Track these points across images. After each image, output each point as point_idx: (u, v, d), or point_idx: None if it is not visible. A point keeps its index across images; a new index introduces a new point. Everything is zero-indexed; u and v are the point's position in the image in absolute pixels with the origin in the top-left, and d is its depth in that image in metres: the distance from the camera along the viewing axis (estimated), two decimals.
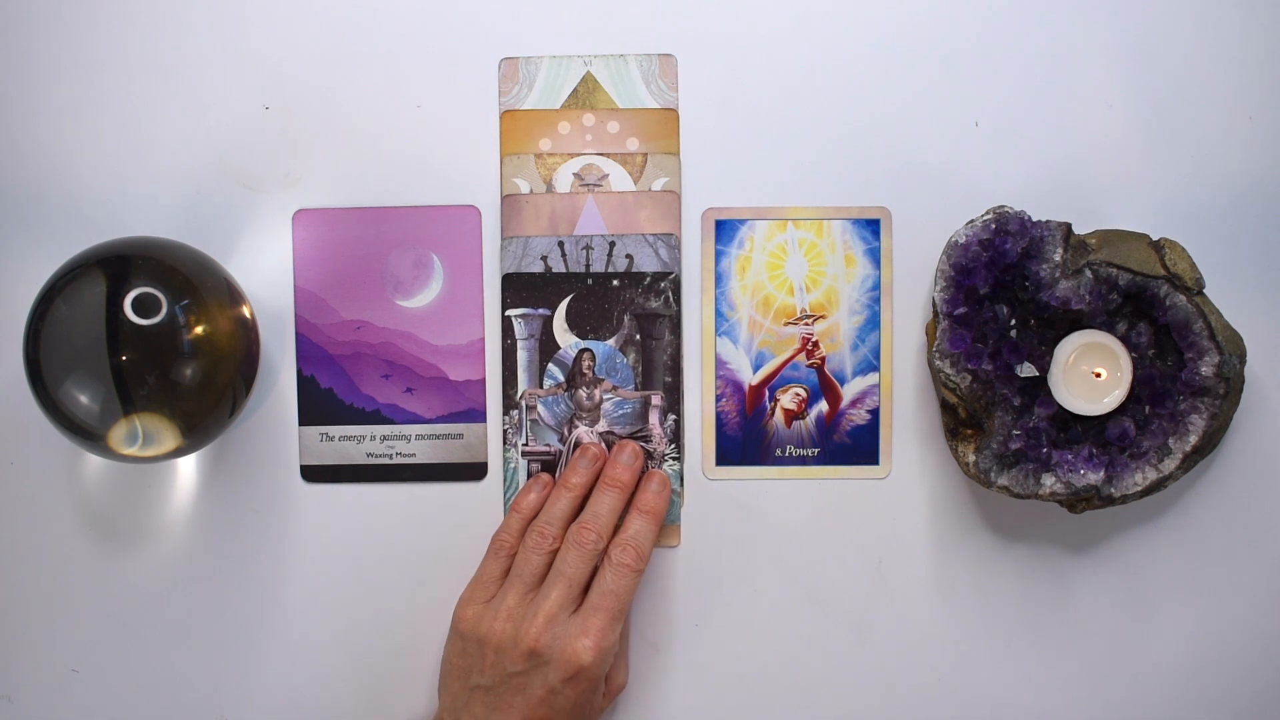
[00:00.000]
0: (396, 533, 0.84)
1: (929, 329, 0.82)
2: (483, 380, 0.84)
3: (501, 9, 0.83)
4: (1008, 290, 0.80)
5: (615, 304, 0.83)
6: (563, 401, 0.83)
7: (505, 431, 0.83)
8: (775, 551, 0.84)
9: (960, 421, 0.81)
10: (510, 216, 0.83)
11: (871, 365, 0.83)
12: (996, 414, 0.80)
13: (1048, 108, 0.82)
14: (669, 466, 0.83)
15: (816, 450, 0.83)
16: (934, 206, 0.83)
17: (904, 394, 0.83)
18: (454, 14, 0.83)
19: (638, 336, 0.83)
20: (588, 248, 0.83)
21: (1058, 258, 0.79)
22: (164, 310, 0.75)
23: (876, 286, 0.83)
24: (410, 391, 0.83)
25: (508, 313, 0.83)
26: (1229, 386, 0.78)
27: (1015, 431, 0.79)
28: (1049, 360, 0.79)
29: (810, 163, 0.83)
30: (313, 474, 0.84)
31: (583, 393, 0.83)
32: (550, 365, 0.83)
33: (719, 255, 0.83)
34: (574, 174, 0.83)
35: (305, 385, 0.84)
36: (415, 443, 0.84)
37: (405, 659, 0.84)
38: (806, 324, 0.83)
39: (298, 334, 0.83)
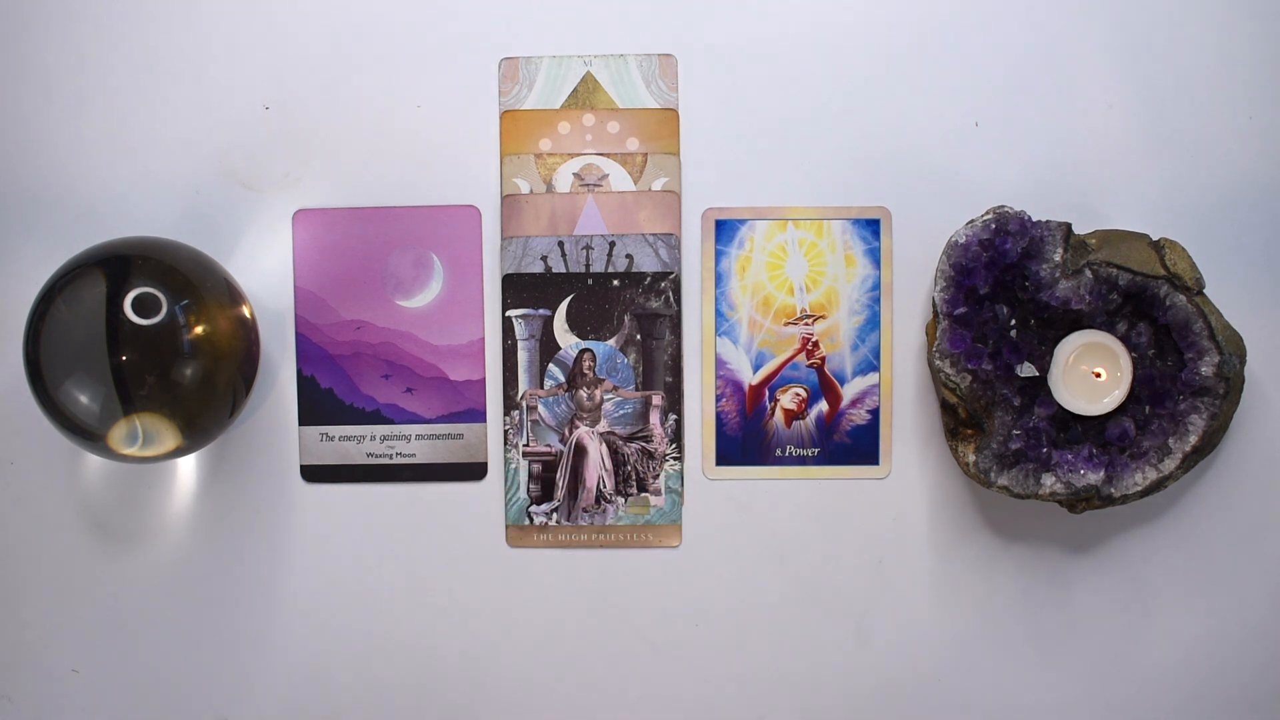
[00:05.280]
0: (396, 533, 0.84)
1: (929, 329, 0.82)
2: (483, 380, 0.84)
3: (501, 9, 0.83)
4: (1008, 290, 0.80)
5: (615, 304, 0.83)
6: (563, 402, 0.83)
7: (506, 432, 0.83)
8: (775, 551, 0.84)
9: (960, 421, 0.81)
10: (510, 216, 0.83)
11: (871, 365, 0.83)
12: (996, 414, 0.80)
13: (1048, 108, 0.82)
14: (669, 466, 0.83)
15: (816, 450, 0.83)
16: (934, 206, 0.83)
17: (904, 394, 0.83)
18: (454, 14, 0.83)
19: (638, 336, 0.83)
20: (588, 248, 0.83)
21: (1058, 258, 0.79)
22: (164, 310, 0.75)
23: (876, 286, 0.83)
24: (410, 391, 0.83)
25: (508, 313, 0.83)
26: (1229, 386, 0.78)
27: (1015, 431, 0.79)
28: (1049, 360, 0.79)
29: (810, 163, 0.83)
30: (313, 474, 0.84)
31: (583, 393, 0.83)
32: (551, 365, 0.83)
33: (719, 255, 0.83)
34: (574, 174, 0.83)
35: (305, 385, 0.84)
36: (415, 443, 0.83)
37: (405, 659, 0.84)
38: (806, 324, 0.83)
39: (298, 334, 0.83)
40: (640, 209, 0.83)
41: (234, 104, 0.83)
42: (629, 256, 0.83)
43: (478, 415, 0.84)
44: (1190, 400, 0.79)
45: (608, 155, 0.83)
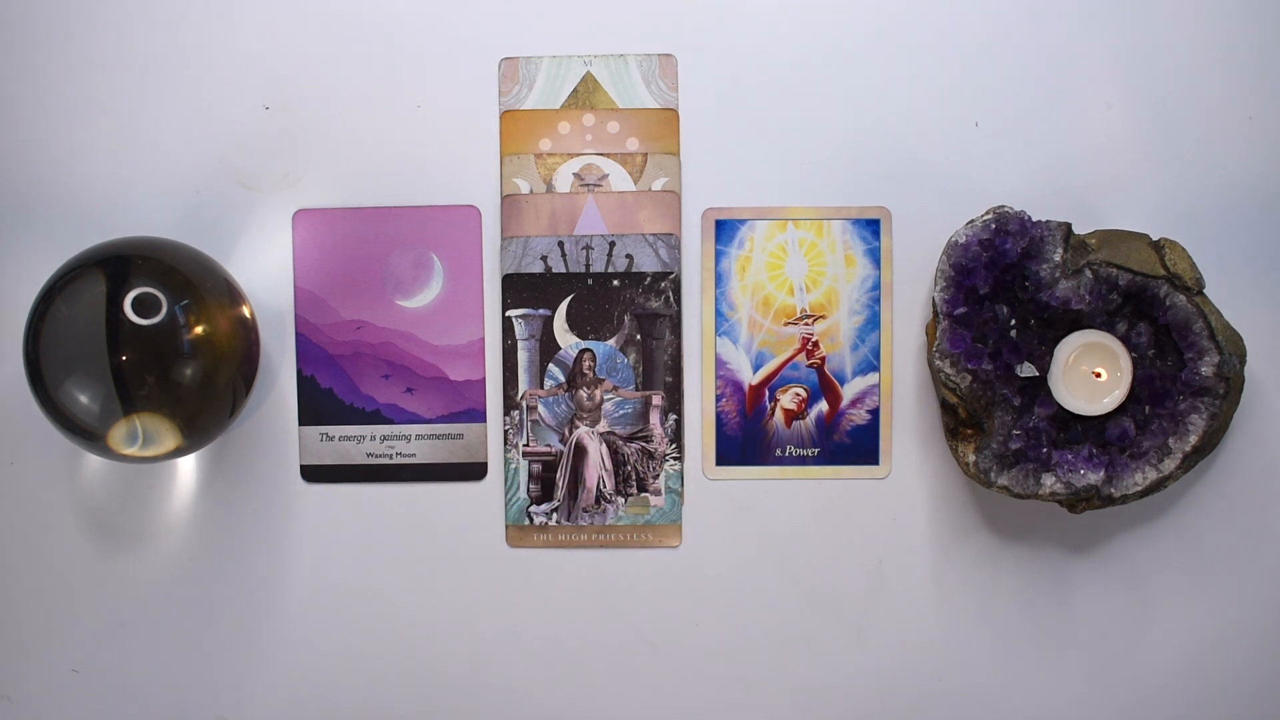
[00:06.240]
0: (396, 533, 0.84)
1: (929, 329, 0.82)
2: (483, 380, 0.84)
3: (501, 9, 0.83)
4: (1008, 290, 0.80)
5: (615, 304, 0.83)
6: (563, 402, 0.83)
7: (506, 432, 0.83)
8: (775, 551, 0.84)
9: (960, 421, 0.81)
10: (510, 216, 0.83)
11: (871, 365, 0.83)
12: (996, 414, 0.80)
13: (1048, 108, 0.82)
14: (669, 466, 0.83)
15: (816, 450, 0.83)
16: (934, 206, 0.83)
17: (904, 394, 0.83)
18: (454, 14, 0.83)
19: (638, 336, 0.83)
20: (588, 248, 0.83)
21: (1058, 258, 0.79)
22: (164, 310, 0.75)
23: (876, 286, 0.83)
24: (410, 391, 0.83)
25: (508, 313, 0.83)
26: (1229, 386, 0.78)
27: (1015, 431, 0.79)
28: (1049, 360, 0.79)
29: (810, 163, 0.83)
30: (313, 474, 0.84)
31: (583, 393, 0.83)
32: (551, 365, 0.83)
33: (719, 255, 0.83)
34: (574, 174, 0.83)
35: (305, 385, 0.84)
36: (415, 443, 0.84)
37: (405, 659, 0.84)
38: (806, 324, 0.83)
39: (298, 334, 0.83)
40: (640, 209, 0.83)
41: (234, 104, 0.83)
42: (629, 256, 0.83)
43: (478, 415, 0.84)
44: (1190, 400, 0.79)
45: (608, 155, 0.83)
